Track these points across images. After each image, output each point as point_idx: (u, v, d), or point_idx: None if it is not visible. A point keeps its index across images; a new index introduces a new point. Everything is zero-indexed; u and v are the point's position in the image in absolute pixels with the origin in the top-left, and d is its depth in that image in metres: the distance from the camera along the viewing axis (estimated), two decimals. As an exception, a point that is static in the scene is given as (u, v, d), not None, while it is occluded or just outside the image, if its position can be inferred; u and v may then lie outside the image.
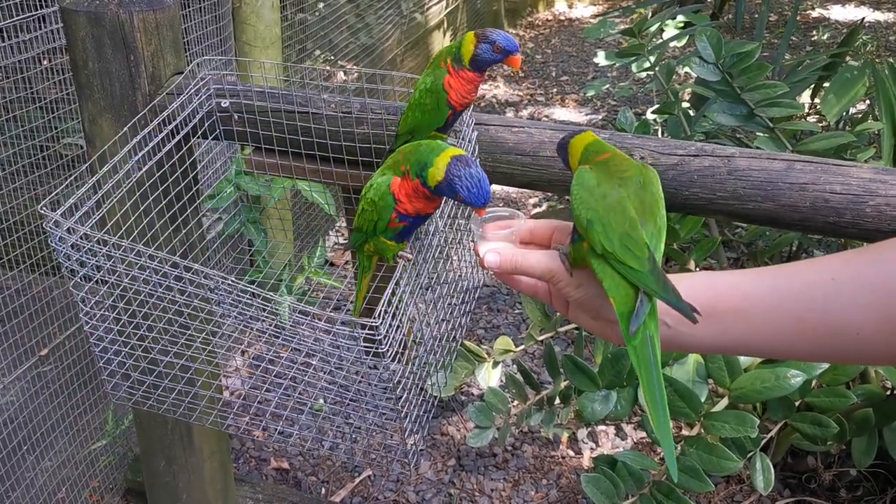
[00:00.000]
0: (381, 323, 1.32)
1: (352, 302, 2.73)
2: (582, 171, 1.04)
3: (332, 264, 4.30)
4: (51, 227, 1.37)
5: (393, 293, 1.39)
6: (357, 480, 3.10)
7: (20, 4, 2.86)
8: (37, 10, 2.88)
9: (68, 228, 1.37)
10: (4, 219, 2.82)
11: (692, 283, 0.97)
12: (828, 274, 0.91)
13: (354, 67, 4.97)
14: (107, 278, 1.45)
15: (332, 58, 4.79)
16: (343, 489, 3.07)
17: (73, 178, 1.59)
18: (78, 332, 3.11)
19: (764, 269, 0.97)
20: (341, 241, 4.56)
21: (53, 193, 1.50)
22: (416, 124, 1.61)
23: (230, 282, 1.38)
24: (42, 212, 1.37)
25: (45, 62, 3.25)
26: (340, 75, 4.83)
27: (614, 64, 4.20)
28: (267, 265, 2.37)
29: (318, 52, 4.66)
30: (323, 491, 3.08)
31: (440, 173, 1.24)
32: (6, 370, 3.04)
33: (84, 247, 1.38)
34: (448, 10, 6.77)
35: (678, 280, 0.95)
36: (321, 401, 2.42)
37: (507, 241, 1.09)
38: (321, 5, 4.70)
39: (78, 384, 2.92)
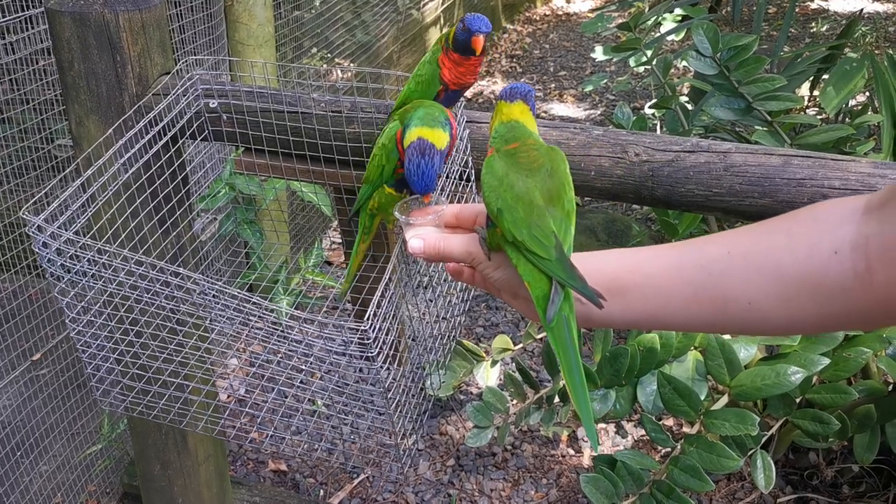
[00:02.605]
0: (370, 327, 1.29)
1: (348, 301, 2.70)
2: (491, 160, 1.07)
3: (328, 263, 4.28)
4: (34, 232, 1.34)
5: (382, 296, 1.37)
6: (356, 482, 3.08)
7: (7, 5, 2.83)
8: (24, 10, 2.85)
9: (52, 233, 1.34)
10: (-3, 221, 2.80)
11: (602, 260, 1.01)
12: (725, 248, 0.95)
13: (350, 65, 4.94)
14: (93, 283, 1.43)
15: (329, 55, 4.76)
16: (341, 491, 3.05)
17: (57, 181, 1.57)
18: (73, 335, 3.08)
19: (670, 245, 1.02)
20: (337, 240, 4.54)
21: (35, 197, 1.48)
22: (409, 95, 1.63)
23: (218, 287, 1.36)
24: (25, 216, 1.35)
25: (40, 62, 3.22)
26: (336, 73, 4.80)
27: (612, 58, 4.18)
28: (262, 266, 2.34)
29: (314, 50, 4.63)
30: (321, 493, 3.06)
31: (405, 143, 1.26)
32: (0, 373, 3.02)
33: (68, 252, 1.35)
34: (444, 6, 6.73)
35: (590, 258, 1.00)
36: (318, 401, 2.40)
37: (431, 225, 1.13)
38: (317, 2, 4.67)
39: (73, 387, 2.89)
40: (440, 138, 1.27)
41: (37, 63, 3.10)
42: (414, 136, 1.24)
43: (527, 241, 0.98)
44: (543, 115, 6.38)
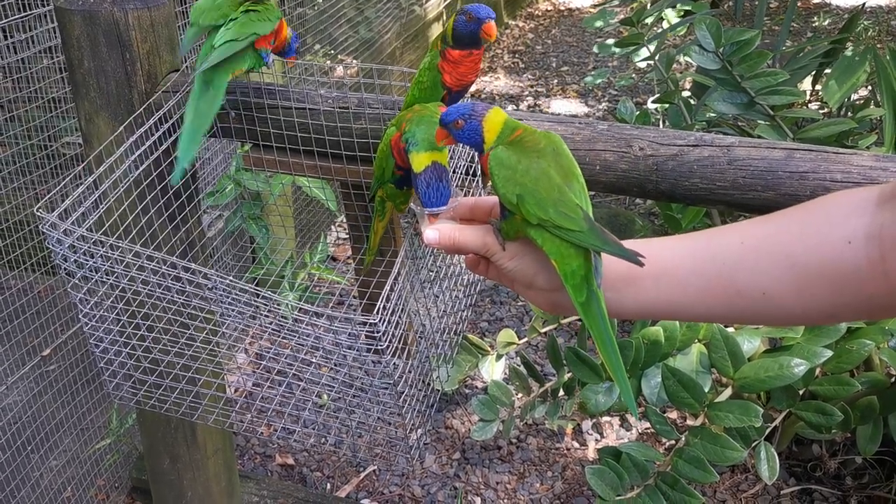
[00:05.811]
0: (380, 320, 1.31)
1: (354, 297, 2.72)
2: (497, 153, 1.07)
3: (334, 259, 4.30)
4: (48, 229, 1.36)
5: (391, 289, 1.39)
6: (362, 475, 3.11)
7: (18, 3, 2.85)
8: (32, 9, 2.87)
9: (65, 230, 1.37)
10: (6, 218, 2.82)
11: None
12: (738, 239, 0.96)
13: (354, 62, 4.95)
14: (105, 279, 1.45)
15: (332, 52, 4.77)
16: (348, 484, 3.07)
17: (69, 178, 1.59)
18: (81, 331, 3.11)
19: (685, 235, 1.02)
20: (343, 235, 4.56)
21: (50, 194, 1.50)
22: (413, 101, 1.64)
23: (228, 281, 1.38)
24: (39, 213, 1.37)
25: (45, 60, 3.24)
26: (340, 70, 4.81)
27: (614, 54, 4.19)
28: (269, 261, 2.36)
29: (317, 47, 4.64)
30: (328, 486, 3.08)
31: (417, 167, 1.29)
32: (10, 370, 3.04)
33: (81, 248, 1.38)
34: (447, 2, 6.74)
35: None
36: (325, 396, 2.42)
37: (446, 217, 1.15)
38: (319, -1, 4.69)
39: (82, 383, 2.92)
40: (445, 157, 1.32)
41: (51, 59, 3.12)
42: (428, 161, 1.28)
43: (555, 219, 0.98)
44: (546, 110, 6.39)
